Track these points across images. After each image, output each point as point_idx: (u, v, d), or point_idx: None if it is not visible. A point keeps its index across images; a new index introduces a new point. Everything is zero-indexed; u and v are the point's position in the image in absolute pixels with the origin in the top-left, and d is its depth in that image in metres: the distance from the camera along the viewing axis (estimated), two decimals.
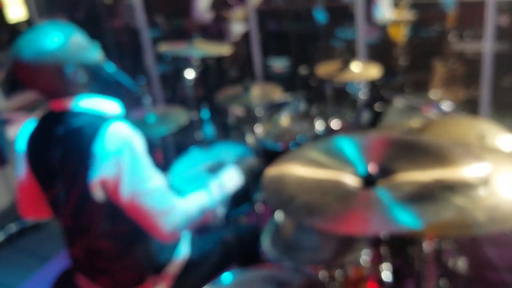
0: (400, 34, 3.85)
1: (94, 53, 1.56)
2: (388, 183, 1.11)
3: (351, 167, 1.21)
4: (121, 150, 1.42)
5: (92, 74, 1.54)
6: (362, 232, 1.08)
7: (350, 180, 1.16)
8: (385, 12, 3.77)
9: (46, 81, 1.47)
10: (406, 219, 0.96)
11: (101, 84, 1.60)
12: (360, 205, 1.05)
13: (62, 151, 1.48)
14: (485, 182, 1.04)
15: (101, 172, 1.42)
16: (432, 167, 1.14)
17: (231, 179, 1.75)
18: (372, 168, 1.16)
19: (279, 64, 4.64)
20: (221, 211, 1.67)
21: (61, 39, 1.45)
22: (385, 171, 1.16)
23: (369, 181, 1.14)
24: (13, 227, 3.30)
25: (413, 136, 1.38)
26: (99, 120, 1.47)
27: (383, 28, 3.96)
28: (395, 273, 2.25)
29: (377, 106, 2.78)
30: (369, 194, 1.09)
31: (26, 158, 1.60)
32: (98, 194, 1.45)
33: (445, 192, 1.03)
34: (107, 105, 1.58)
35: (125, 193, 1.44)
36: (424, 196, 1.03)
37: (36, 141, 1.58)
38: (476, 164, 1.12)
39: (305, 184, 1.15)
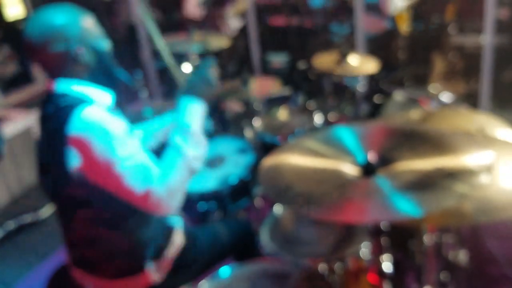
0: (405, 22, 3.81)
1: (103, 42, 1.58)
2: (388, 172, 1.09)
3: (350, 157, 1.19)
4: (91, 132, 1.40)
5: (97, 59, 1.56)
6: (360, 221, 1.07)
7: (349, 169, 1.14)
8: (397, 2, 3.73)
9: (50, 55, 1.48)
10: (406, 207, 0.94)
11: (103, 72, 1.60)
12: (359, 194, 1.03)
13: (47, 131, 1.50)
14: (487, 169, 1.02)
15: (77, 158, 1.41)
16: (433, 155, 1.12)
17: (191, 116, 1.55)
18: (371, 157, 1.14)
19: (278, 60, 4.62)
20: (201, 153, 1.52)
21: (72, 17, 1.50)
22: (385, 160, 1.14)
23: (368, 170, 1.12)
24: (11, 224, 3.29)
25: (414, 125, 1.36)
26: (77, 103, 1.46)
27: (391, 18, 3.92)
28: (396, 266, 2.24)
29: (376, 98, 2.76)
30: (369, 183, 1.07)
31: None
32: (80, 176, 1.43)
33: (446, 179, 1.01)
34: (97, 94, 1.57)
35: (106, 175, 1.41)
36: (424, 184, 1.01)
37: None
38: (478, 151, 1.10)
39: (303, 174, 1.13)
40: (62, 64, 1.50)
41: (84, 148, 1.41)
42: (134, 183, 1.41)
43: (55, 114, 1.48)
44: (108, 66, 1.61)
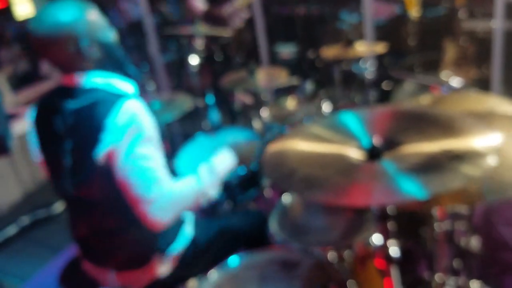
0: (414, 6, 3.75)
1: (109, 33, 1.58)
2: (394, 155, 1.08)
3: (356, 141, 1.17)
4: (129, 124, 1.43)
5: (105, 52, 1.56)
6: (366, 204, 1.05)
7: (355, 153, 1.12)
8: None
9: (60, 53, 1.48)
10: (412, 189, 0.92)
11: (114, 64, 1.59)
12: (364, 177, 1.01)
13: (74, 124, 1.49)
14: (494, 150, 1.00)
15: (108, 145, 1.43)
16: (439, 137, 1.10)
17: (222, 161, 1.70)
18: (377, 141, 1.12)
19: (287, 50, 4.59)
20: (212, 193, 1.62)
21: (78, 12, 1.48)
22: (391, 144, 1.12)
23: (374, 153, 1.10)
24: (25, 220, 3.33)
25: (420, 108, 1.34)
26: (114, 97, 1.48)
27: (401, 2, 3.87)
28: (408, 254, 2.22)
29: (385, 85, 2.73)
30: (374, 166, 1.05)
31: (35, 132, 1.61)
32: (104, 166, 1.45)
33: (453, 161, 0.99)
34: (121, 84, 1.58)
35: (120, 165, 1.43)
36: (431, 166, 1.00)
37: (45, 114, 1.59)
38: (486, 133, 1.08)
39: (307, 158, 1.12)
40: (74, 61, 1.50)
41: (119, 138, 1.43)
42: (139, 185, 1.44)
43: (88, 109, 1.47)
44: (117, 56, 1.61)
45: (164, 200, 1.46)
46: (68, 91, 1.53)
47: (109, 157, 1.44)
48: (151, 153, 1.47)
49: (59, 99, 1.55)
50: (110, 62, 1.58)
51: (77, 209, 1.64)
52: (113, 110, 1.44)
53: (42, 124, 1.60)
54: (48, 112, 1.57)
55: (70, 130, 1.50)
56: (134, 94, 1.61)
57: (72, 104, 1.50)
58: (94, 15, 1.53)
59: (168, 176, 1.51)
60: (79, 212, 1.64)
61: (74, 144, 1.50)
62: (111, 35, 1.58)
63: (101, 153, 1.43)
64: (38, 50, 1.49)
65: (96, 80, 1.53)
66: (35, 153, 1.66)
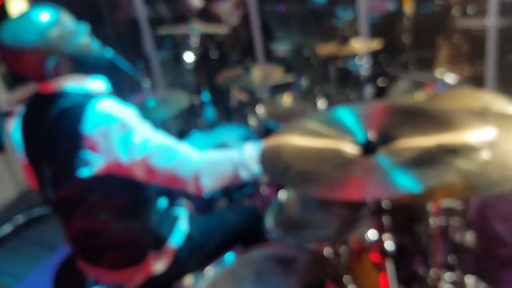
0: (409, 2, 3.77)
1: (79, 38, 1.51)
2: (389, 150, 1.08)
3: (351, 136, 1.18)
4: (109, 125, 1.40)
5: (77, 60, 1.51)
6: (360, 197, 1.06)
7: (350, 148, 1.13)
8: None
9: (29, 69, 1.45)
10: (406, 183, 0.93)
11: (90, 66, 1.55)
12: (359, 171, 1.02)
13: (52, 133, 1.46)
14: (489, 144, 1.01)
15: (91, 153, 1.40)
16: (434, 132, 1.10)
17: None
18: (372, 136, 1.13)
19: (282, 48, 4.59)
20: (256, 169, 1.55)
21: (42, 31, 1.42)
22: (386, 138, 1.13)
23: (369, 148, 1.11)
24: (20, 218, 3.32)
25: (415, 103, 1.35)
26: (86, 99, 1.45)
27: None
28: (403, 250, 2.24)
29: (380, 81, 2.75)
30: (369, 161, 1.06)
31: (21, 138, 1.59)
32: (101, 175, 1.43)
33: (448, 155, 1.00)
34: (92, 83, 1.56)
35: (132, 163, 1.43)
36: (425, 160, 1.00)
37: (27, 123, 1.57)
38: (480, 127, 1.08)
39: (303, 153, 1.12)
40: (43, 74, 1.46)
41: (104, 143, 1.40)
42: (162, 163, 1.45)
43: (62, 115, 1.44)
44: (89, 57, 1.55)
45: (194, 160, 1.49)
46: (45, 99, 1.50)
47: (109, 165, 1.43)
48: (148, 134, 1.47)
49: (35, 107, 1.54)
50: (85, 67, 1.54)
51: (62, 211, 1.62)
52: (86, 114, 1.40)
53: (25, 132, 1.57)
54: (28, 120, 1.56)
55: (46, 140, 1.48)
56: (106, 91, 1.58)
57: (49, 112, 1.47)
58: (60, 28, 1.46)
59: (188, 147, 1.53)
60: (65, 214, 1.62)
61: (53, 153, 1.48)
62: (80, 40, 1.51)
63: (88, 163, 1.41)
64: (7, 64, 1.46)
65: (69, 84, 1.50)
66: (20, 158, 1.64)
